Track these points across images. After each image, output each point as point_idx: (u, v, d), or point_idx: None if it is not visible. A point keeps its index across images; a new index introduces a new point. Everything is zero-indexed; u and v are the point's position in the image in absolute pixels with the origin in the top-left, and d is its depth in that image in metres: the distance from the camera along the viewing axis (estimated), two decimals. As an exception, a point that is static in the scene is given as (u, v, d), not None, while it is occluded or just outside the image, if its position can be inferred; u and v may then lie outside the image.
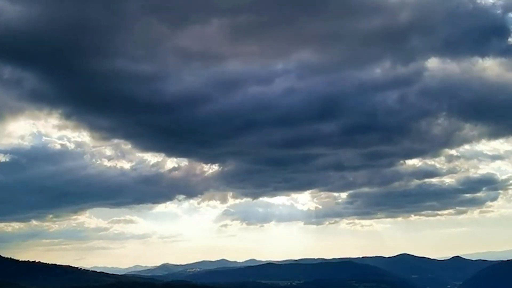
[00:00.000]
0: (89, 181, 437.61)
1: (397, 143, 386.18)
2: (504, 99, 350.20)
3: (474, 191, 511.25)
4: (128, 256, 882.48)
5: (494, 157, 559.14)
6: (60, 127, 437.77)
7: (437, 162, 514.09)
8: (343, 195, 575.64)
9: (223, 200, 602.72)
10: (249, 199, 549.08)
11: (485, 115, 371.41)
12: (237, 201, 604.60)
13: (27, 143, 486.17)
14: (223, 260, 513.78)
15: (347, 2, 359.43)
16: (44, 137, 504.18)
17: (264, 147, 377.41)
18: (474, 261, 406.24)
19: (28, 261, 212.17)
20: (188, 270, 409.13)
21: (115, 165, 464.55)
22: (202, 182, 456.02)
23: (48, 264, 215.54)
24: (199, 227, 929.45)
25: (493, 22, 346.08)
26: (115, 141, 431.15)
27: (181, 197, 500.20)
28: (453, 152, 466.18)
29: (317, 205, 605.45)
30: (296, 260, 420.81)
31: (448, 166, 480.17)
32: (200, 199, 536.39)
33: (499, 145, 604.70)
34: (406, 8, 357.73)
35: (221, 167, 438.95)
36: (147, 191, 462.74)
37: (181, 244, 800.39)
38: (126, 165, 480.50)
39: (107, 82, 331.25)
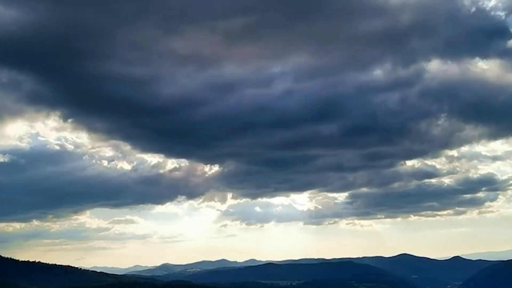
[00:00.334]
0: (89, 181, 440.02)
1: (397, 144, 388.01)
2: (504, 100, 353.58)
3: (473, 192, 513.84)
4: (128, 256, 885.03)
5: (494, 158, 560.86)
6: (58, 129, 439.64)
7: (437, 163, 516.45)
8: (343, 195, 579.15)
9: (223, 200, 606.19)
10: (249, 200, 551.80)
11: (485, 116, 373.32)
12: (237, 201, 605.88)
13: (26, 145, 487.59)
14: (223, 260, 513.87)
15: (348, 4, 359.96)
16: (42, 138, 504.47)
17: (264, 148, 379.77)
18: (474, 261, 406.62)
19: (28, 261, 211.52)
20: (188, 270, 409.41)
21: (115, 165, 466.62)
22: (202, 182, 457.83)
23: (48, 264, 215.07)
24: (199, 228, 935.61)
25: (493, 24, 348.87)
26: (114, 142, 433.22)
27: (182, 197, 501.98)
28: (453, 153, 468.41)
29: (317, 205, 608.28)
30: (296, 260, 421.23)
31: (448, 166, 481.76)
32: (200, 200, 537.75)
33: (499, 146, 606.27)
34: (407, 9, 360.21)
35: (221, 168, 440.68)
36: (148, 191, 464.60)
37: (181, 244, 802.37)
38: (126, 165, 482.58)
39: (105, 84, 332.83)
